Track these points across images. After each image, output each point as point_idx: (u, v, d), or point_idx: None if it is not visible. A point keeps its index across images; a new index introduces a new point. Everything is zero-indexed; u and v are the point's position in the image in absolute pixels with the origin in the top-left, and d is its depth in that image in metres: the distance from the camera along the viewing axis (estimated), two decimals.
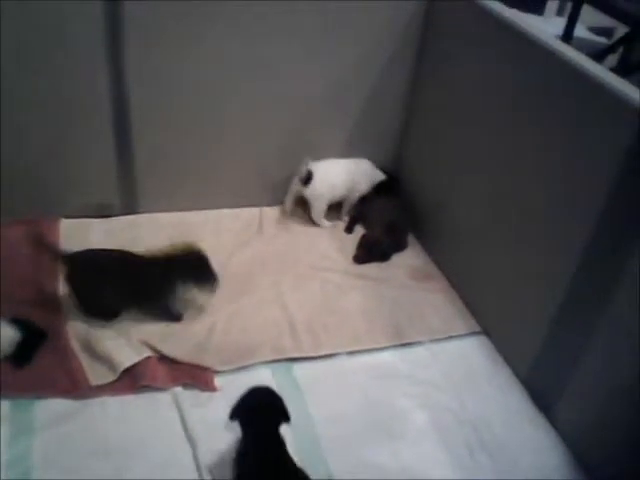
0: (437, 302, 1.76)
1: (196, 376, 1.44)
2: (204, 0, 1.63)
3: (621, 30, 2.82)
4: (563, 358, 1.43)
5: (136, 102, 1.74)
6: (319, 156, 1.97)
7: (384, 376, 1.54)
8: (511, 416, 1.48)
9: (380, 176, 2.03)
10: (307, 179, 1.91)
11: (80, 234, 1.81)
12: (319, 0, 1.72)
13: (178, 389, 1.42)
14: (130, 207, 1.93)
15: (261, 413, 1.25)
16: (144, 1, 1.59)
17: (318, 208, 1.96)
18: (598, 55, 2.53)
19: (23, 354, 1.43)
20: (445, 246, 1.88)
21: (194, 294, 1.61)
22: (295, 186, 1.95)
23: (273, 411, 1.26)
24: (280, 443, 1.23)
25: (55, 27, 1.58)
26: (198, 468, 1.28)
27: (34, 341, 1.46)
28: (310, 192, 1.93)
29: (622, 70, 2.42)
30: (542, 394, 1.51)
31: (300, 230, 1.97)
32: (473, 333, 1.69)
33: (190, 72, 1.74)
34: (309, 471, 1.28)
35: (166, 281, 1.56)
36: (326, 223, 1.99)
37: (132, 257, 1.56)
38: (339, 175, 1.96)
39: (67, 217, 1.85)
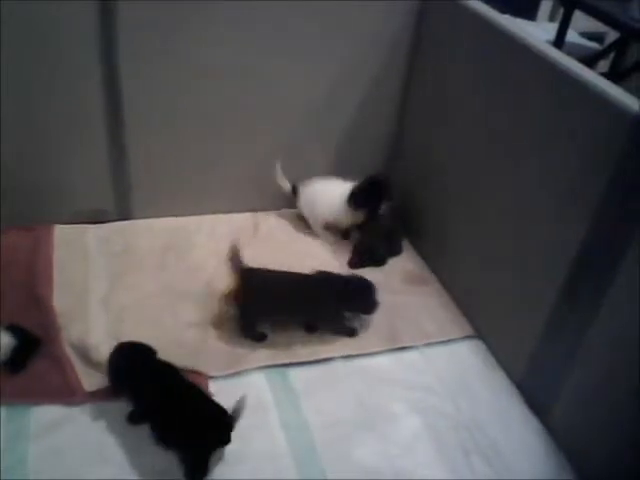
0: (431, 306, 1.77)
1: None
2: (200, 1, 1.64)
3: (612, 35, 2.84)
4: (557, 361, 1.43)
5: (130, 107, 1.74)
6: (312, 158, 1.97)
7: (379, 380, 1.54)
8: (506, 419, 1.48)
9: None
10: (294, 192, 1.92)
11: (75, 240, 1.81)
12: (314, 2, 1.73)
13: None
14: (125, 213, 1.93)
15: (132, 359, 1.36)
16: (139, 2, 1.59)
17: (312, 225, 1.96)
18: (590, 60, 2.55)
19: (17, 360, 1.43)
20: (439, 251, 1.88)
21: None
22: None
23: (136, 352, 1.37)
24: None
25: (48, 32, 1.58)
26: None
27: (28, 347, 1.46)
28: (299, 207, 1.93)
29: (613, 75, 2.44)
30: (536, 397, 1.51)
31: (295, 235, 1.97)
32: (467, 337, 1.69)
33: (184, 78, 1.74)
34: (305, 475, 1.30)
35: (334, 307, 1.60)
36: (325, 236, 1.95)
37: (305, 279, 1.60)
38: (325, 200, 1.90)
39: (62, 223, 1.85)
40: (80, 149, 1.78)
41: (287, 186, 1.94)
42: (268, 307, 1.58)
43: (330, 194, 1.89)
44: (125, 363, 1.36)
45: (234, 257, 1.57)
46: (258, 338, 1.58)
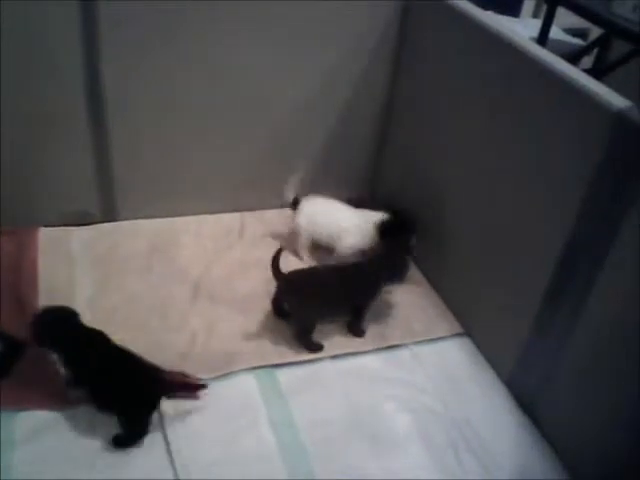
0: (420, 304, 1.77)
1: (178, 385, 1.43)
2: (182, 1, 1.63)
3: (596, 31, 2.85)
4: (546, 359, 1.44)
5: (114, 108, 1.73)
6: (298, 157, 1.96)
7: (368, 379, 1.54)
8: (495, 417, 1.49)
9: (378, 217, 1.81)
10: (294, 204, 1.86)
11: (60, 243, 1.80)
12: (299, 2, 1.72)
13: None
14: (110, 214, 1.91)
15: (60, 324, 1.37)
16: (120, 2, 1.57)
17: (300, 240, 1.87)
18: (573, 57, 2.56)
19: (2, 366, 1.41)
20: (427, 249, 1.87)
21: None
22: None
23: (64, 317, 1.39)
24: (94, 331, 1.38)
25: (28, 32, 1.56)
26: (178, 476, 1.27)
27: (13, 353, 1.44)
28: (295, 221, 1.85)
29: (597, 71, 2.45)
30: (525, 394, 1.52)
31: (282, 235, 1.96)
32: (456, 335, 1.69)
33: (169, 78, 1.73)
34: (294, 475, 1.30)
35: (376, 283, 1.65)
36: (305, 257, 1.89)
37: (342, 268, 1.65)
38: (327, 217, 1.84)
39: (46, 226, 1.83)
40: (64, 151, 1.76)
41: (289, 197, 1.86)
42: (321, 305, 1.59)
43: (357, 222, 1.82)
44: (48, 324, 1.37)
45: (275, 265, 1.56)
46: (316, 348, 1.58)
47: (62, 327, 1.36)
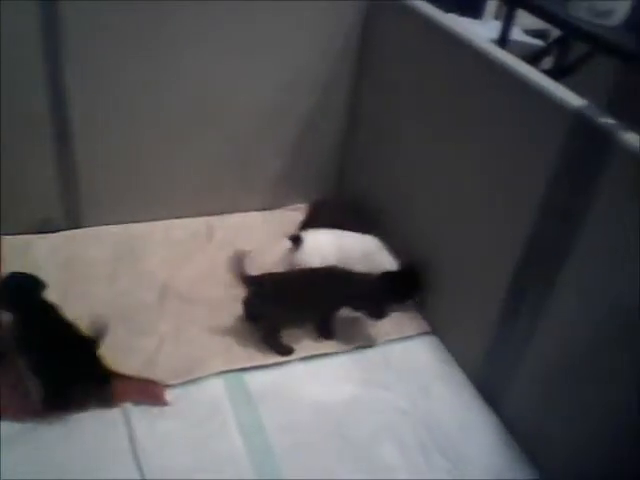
0: None
1: (146, 391, 1.42)
2: (149, 5, 1.61)
3: (556, 32, 2.90)
4: (512, 356, 1.46)
5: (77, 111, 1.70)
6: (264, 160, 1.97)
7: (337, 381, 1.54)
8: (463, 416, 1.51)
9: (391, 264, 1.77)
10: (296, 242, 1.77)
11: (23, 251, 1.76)
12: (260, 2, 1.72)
13: (128, 405, 1.39)
14: (74, 221, 1.88)
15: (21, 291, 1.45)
16: (84, 2, 1.55)
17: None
18: (533, 58, 2.60)
19: None
20: (393, 249, 1.89)
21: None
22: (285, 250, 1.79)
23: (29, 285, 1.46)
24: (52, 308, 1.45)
25: None
26: None
27: None
28: (299, 259, 1.76)
29: (557, 72, 2.49)
30: (492, 392, 1.53)
31: (250, 238, 1.96)
32: (423, 333, 1.71)
33: (134, 82, 1.72)
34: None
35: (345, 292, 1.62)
36: None
37: (312, 272, 1.65)
38: (331, 248, 1.76)
39: (7, 234, 1.79)
40: (25, 155, 1.73)
41: (294, 234, 1.79)
42: (287, 308, 1.58)
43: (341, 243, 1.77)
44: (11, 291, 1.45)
45: (237, 266, 1.55)
46: (286, 351, 1.58)
47: (23, 291, 1.44)
